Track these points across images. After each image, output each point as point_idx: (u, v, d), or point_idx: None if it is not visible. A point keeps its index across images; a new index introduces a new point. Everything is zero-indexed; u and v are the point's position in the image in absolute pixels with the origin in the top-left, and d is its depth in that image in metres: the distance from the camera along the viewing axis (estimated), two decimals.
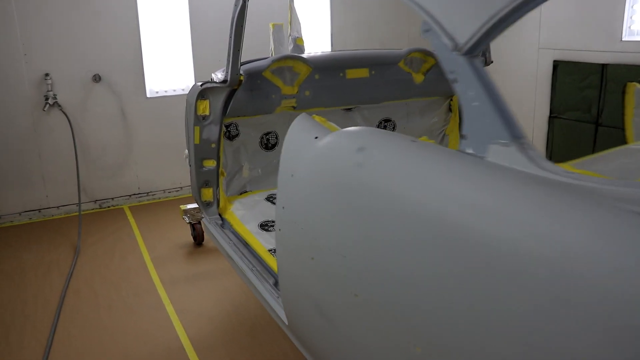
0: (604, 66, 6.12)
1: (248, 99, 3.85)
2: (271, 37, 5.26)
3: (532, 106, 6.86)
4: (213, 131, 3.84)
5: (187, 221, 5.22)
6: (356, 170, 1.79)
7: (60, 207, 6.13)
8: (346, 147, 1.91)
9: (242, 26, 3.45)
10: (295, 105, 4.09)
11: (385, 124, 4.72)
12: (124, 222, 5.93)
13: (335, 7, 7.04)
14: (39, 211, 6.06)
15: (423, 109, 4.81)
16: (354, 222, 1.78)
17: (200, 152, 3.87)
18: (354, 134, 1.96)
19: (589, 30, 6.22)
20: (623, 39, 5.96)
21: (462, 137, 1.61)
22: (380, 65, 4.27)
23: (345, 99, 4.30)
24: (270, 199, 4.12)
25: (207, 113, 3.79)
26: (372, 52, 4.43)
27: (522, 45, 6.92)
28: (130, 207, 6.36)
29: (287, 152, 2.29)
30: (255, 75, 3.83)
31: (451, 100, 4.83)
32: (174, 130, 6.38)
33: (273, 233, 3.61)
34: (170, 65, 6.39)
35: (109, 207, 6.36)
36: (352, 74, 4.16)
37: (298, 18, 5.02)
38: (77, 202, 5.87)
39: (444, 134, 4.94)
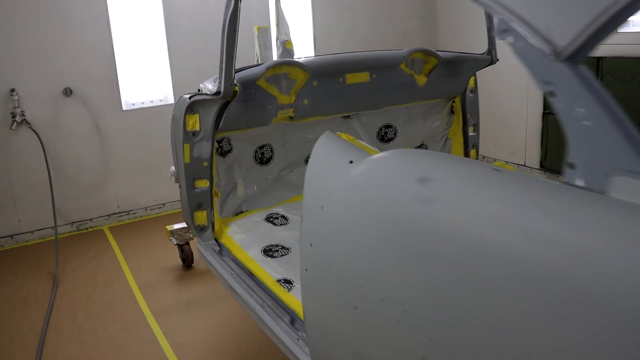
0: (599, 59, 5.87)
1: (242, 111, 3.46)
2: (256, 41, 4.88)
3: (524, 102, 6.59)
4: (205, 148, 3.44)
5: (175, 242, 4.81)
6: (422, 208, 1.42)
7: (34, 232, 5.65)
8: (401, 176, 1.55)
9: (235, 31, 3.06)
10: (292, 115, 3.71)
11: (386, 130, 4.38)
12: (105, 245, 5.48)
13: (317, 7, 6.67)
14: (12, 237, 5.57)
15: (425, 112, 4.48)
16: (422, 271, 1.42)
17: (192, 172, 3.47)
18: (408, 159, 1.60)
19: None
20: (619, 30, 5.72)
21: (568, 166, 1.25)
22: (381, 68, 3.92)
23: (346, 106, 3.94)
24: (270, 219, 3.73)
25: (197, 128, 3.40)
26: (371, 54, 4.08)
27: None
28: (110, 228, 5.90)
29: (313, 179, 1.92)
30: (249, 85, 3.44)
31: (453, 102, 4.50)
32: (153, 144, 5.95)
33: (279, 260, 3.23)
34: (146, 75, 5.95)
35: (87, 228, 5.90)
36: (352, 78, 3.80)
37: (286, 20, 4.65)
38: (53, 225, 5.39)
39: (447, 138, 4.61)
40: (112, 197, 5.95)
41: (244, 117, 3.50)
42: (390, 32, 7.16)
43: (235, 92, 3.28)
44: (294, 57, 4.59)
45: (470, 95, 4.46)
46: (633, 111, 5.27)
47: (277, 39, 4.64)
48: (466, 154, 4.59)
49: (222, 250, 3.49)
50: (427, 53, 4.11)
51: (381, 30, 7.10)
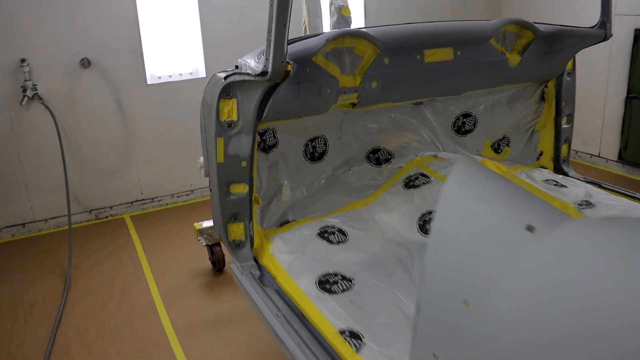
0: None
1: (293, 96, 2.59)
2: (304, 6, 3.98)
3: (604, 85, 5.58)
4: (243, 143, 2.59)
5: (204, 244, 4.01)
6: None
7: (48, 220, 4.91)
8: None
9: None
10: (356, 101, 2.84)
11: (464, 119, 3.47)
12: (126, 238, 4.70)
13: None
14: (23, 226, 4.84)
15: (511, 98, 3.56)
16: None
17: (226, 174, 2.63)
18: None
19: None
20: None
21: None
22: (467, 44, 3.01)
23: (423, 91, 3.05)
24: (325, 234, 2.88)
25: (234, 118, 2.55)
26: (455, 25, 3.15)
27: (593, 12, 5.60)
28: (132, 217, 5.13)
29: (445, 252, 1.06)
30: (303, 62, 2.56)
31: (545, 86, 3.57)
32: (181, 123, 5.13)
33: (340, 297, 2.39)
34: (174, 45, 5.09)
35: (107, 217, 5.13)
36: (432, 55, 2.90)
37: None
38: (67, 213, 4.62)
39: (534, 130, 3.69)
40: (134, 183, 5.16)
41: (296, 104, 2.64)
42: (449, 0, 6.17)
43: (288, 72, 2.39)
44: (352, 27, 3.69)
45: (568, 79, 3.53)
46: None
47: (330, 4, 3.73)
48: (557, 149, 3.67)
49: (263, 275, 2.66)
50: (523, 25, 3.17)
51: None
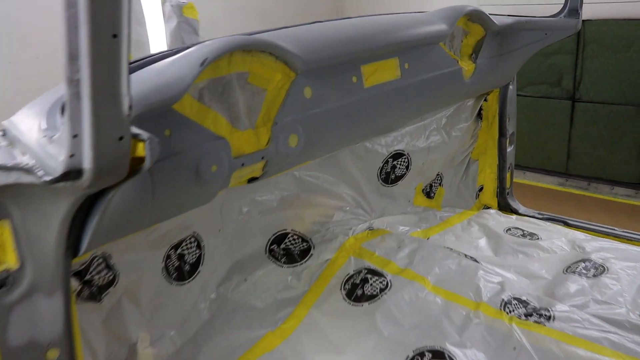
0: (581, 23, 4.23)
1: (144, 193, 1.14)
2: None
3: None
4: (44, 314, 1.09)
5: None
6: None
7: None
8: None
9: None
10: (260, 174, 1.45)
11: (395, 162, 2.26)
12: None
13: None
14: None
15: (448, 123, 2.42)
16: None
17: None
18: None
19: None
20: None
21: None
22: (417, 50, 1.79)
23: (360, 133, 1.76)
24: None
25: (11, 266, 1.03)
26: (391, 20, 1.87)
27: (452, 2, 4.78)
28: None
29: None
30: (157, 117, 1.12)
31: (485, 100, 2.52)
32: None
33: None
34: None
35: None
36: (372, 75, 1.62)
37: None
38: None
39: (470, 160, 2.63)
40: None
41: (149, 207, 1.18)
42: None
43: (139, 161, 0.93)
44: (199, 35, 2.29)
45: (511, 87, 2.52)
46: (629, 88, 3.78)
47: (163, 2, 2.27)
48: (501, 181, 2.65)
49: None
50: (471, 17, 2.06)
51: None
